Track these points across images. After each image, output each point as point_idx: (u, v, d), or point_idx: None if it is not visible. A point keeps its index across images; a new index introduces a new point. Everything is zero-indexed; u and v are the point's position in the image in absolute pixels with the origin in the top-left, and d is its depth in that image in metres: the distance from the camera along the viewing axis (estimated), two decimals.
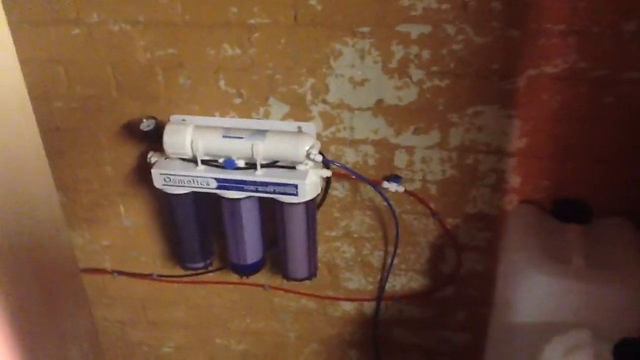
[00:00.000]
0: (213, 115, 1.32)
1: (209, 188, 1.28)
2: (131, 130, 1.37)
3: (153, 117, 1.30)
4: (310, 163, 1.25)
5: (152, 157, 1.32)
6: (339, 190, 1.37)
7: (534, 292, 1.10)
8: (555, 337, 1.03)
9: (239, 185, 1.27)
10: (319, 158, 1.23)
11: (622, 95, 1.13)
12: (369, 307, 1.54)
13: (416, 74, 1.19)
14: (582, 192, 1.23)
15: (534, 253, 1.13)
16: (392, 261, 1.43)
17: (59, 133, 1.43)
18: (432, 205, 1.34)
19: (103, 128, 1.40)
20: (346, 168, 1.31)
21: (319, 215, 1.39)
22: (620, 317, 1.05)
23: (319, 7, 1.15)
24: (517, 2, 1.09)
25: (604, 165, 1.20)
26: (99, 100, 1.36)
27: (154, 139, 1.30)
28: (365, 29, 1.16)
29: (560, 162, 1.22)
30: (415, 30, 1.14)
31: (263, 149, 1.23)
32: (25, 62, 1.33)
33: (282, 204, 1.29)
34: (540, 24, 1.09)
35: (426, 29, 1.14)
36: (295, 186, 1.24)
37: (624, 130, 1.16)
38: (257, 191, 1.27)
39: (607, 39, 1.09)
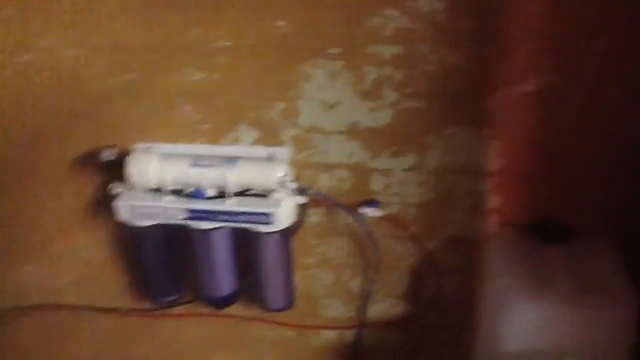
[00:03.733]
0: (179, 143, 1.26)
1: (177, 219, 1.22)
2: (89, 159, 1.30)
3: (114, 146, 1.24)
4: (284, 190, 1.19)
5: (114, 188, 1.25)
6: (314, 216, 1.32)
7: (521, 319, 1.06)
8: None
9: (209, 215, 1.21)
10: (293, 185, 1.18)
11: (600, 113, 1.10)
12: (349, 335, 1.48)
13: (390, 95, 1.15)
14: (563, 212, 1.20)
15: (519, 279, 1.09)
16: (371, 287, 1.38)
17: (7, 165, 1.35)
18: (411, 229, 1.29)
19: (56, 159, 1.33)
20: (321, 194, 1.26)
21: (294, 242, 1.34)
22: (610, 343, 1.01)
23: (287, 29, 1.11)
24: (490, 21, 1.05)
25: (584, 184, 1.17)
26: (51, 130, 1.29)
27: (115, 169, 1.23)
28: (336, 50, 1.12)
29: (540, 182, 1.19)
30: (387, 51, 1.10)
31: (234, 177, 1.17)
32: None
33: (255, 233, 1.23)
34: (512, 42, 1.06)
35: (398, 49, 1.10)
36: (269, 215, 1.18)
37: (603, 148, 1.14)
38: (229, 221, 1.21)
39: (581, 57, 1.06)
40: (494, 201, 1.22)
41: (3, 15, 1.17)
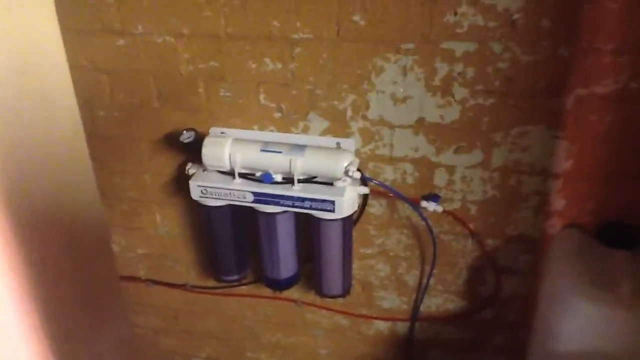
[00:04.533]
0: (252, 129, 1.32)
1: (245, 201, 1.28)
2: (171, 140, 1.38)
3: (193, 129, 1.31)
4: (349, 180, 1.23)
5: (190, 168, 1.32)
6: (375, 207, 1.35)
7: (578, 319, 1.06)
8: None
9: (275, 199, 1.26)
10: (358, 175, 1.21)
11: None
12: (403, 327, 1.51)
13: (460, 92, 1.16)
14: (629, 216, 1.18)
15: (579, 279, 1.09)
16: (428, 281, 1.40)
17: (100, 141, 1.44)
18: (471, 226, 1.30)
19: (143, 137, 1.41)
20: (385, 186, 1.29)
21: (355, 232, 1.37)
22: None
23: (363, 23, 1.14)
24: (566, 20, 1.05)
25: None
26: (141, 110, 1.37)
27: (192, 151, 1.30)
28: (409, 46, 1.14)
29: (608, 185, 1.18)
30: (460, 48, 1.12)
31: (301, 164, 1.22)
32: (70, 70, 1.36)
33: (318, 219, 1.27)
34: (590, 43, 1.06)
35: (471, 46, 1.11)
36: (333, 202, 1.22)
37: None
38: (293, 206, 1.25)
39: None
40: (558, 202, 1.22)
41: (103, 2, 1.26)
